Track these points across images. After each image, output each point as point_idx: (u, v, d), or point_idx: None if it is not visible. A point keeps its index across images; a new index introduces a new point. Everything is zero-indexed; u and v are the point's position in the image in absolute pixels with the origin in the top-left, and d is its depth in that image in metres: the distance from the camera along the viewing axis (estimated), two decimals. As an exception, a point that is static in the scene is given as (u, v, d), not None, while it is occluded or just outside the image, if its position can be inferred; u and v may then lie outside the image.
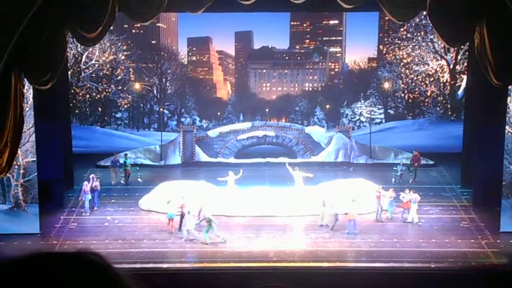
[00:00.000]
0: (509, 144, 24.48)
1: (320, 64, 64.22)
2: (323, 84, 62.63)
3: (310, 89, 63.70)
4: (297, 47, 66.22)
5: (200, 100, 59.26)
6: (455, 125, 39.47)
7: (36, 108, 24.06)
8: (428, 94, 48.83)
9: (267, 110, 58.34)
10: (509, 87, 23.93)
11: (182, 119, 55.55)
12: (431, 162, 35.02)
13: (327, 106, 55.93)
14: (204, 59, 68.68)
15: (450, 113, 47.65)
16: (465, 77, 39.91)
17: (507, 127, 24.38)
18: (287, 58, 66.65)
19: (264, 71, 67.41)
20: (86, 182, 27.42)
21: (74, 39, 26.52)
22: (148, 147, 38.66)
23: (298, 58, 65.57)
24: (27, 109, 23.25)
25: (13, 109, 21.43)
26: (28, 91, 23.39)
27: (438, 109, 48.70)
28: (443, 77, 48.16)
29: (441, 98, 48.48)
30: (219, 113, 58.86)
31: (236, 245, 23.53)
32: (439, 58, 47.86)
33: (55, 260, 1.99)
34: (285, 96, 62.35)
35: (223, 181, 28.93)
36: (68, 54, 29.87)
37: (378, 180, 29.63)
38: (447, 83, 47.89)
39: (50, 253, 2.01)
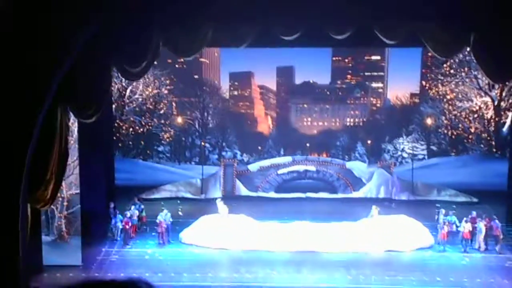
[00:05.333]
0: (556, 183, 23.95)
1: (362, 99, 64.12)
2: (364, 119, 62.47)
3: (352, 124, 63.58)
4: (339, 82, 66.43)
5: (241, 134, 59.65)
6: (500, 162, 38.80)
7: (80, 141, 24.44)
8: (472, 130, 48.23)
9: (308, 144, 58.34)
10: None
11: (223, 153, 55.89)
12: (475, 200, 34.44)
13: (369, 142, 55.67)
14: (246, 94, 69.25)
15: (494, 150, 46.93)
16: (510, 114, 39.34)
17: (553, 165, 23.89)
18: (328, 93, 66.78)
19: (305, 105, 67.57)
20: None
21: (119, 74, 27.02)
22: (189, 180, 38.88)
23: (340, 93, 65.63)
24: (72, 142, 23.63)
25: (59, 142, 21.83)
26: (74, 124, 23.80)
27: (482, 146, 48.04)
28: (487, 113, 47.56)
29: (486, 135, 47.83)
30: (260, 147, 59.06)
31: (276, 281, 23.33)
32: (483, 94, 47.35)
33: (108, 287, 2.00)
34: (326, 131, 62.36)
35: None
36: (112, 88, 30.39)
37: (420, 217, 29.20)
38: (492, 120, 47.26)
39: (102, 281, 2.03)
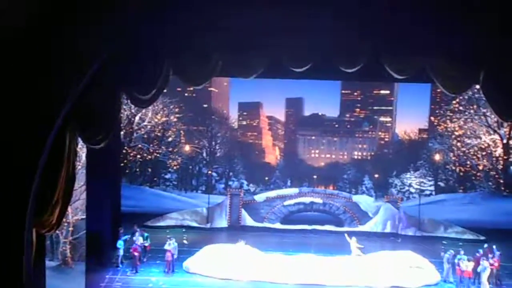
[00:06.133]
0: None
1: (370, 133, 64.09)
2: (372, 153, 62.36)
3: (359, 157, 63.46)
4: (347, 115, 66.43)
5: (249, 164, 59.55)
6: (508, 201, 38.64)
7: (88, 166, 24.49)
8: (480, 168, 48.07)
9: (315, 177, 58.17)
10: None
11: (230, 183, 55.81)
12: (482, 238, 34.15)
13: (376, 176, 55.50)
14: (254, 124, 69.29)
15: (503, 188, 46.68)
16: (519, 152, 39.23)
17: (562, 205, 23.73)
18: (336, 126, 66.77)
19: (313, 137, 67.56)
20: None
21: (128, 101, 27.13)
22: (195, 209, 38.79)
23: (348, 126, 65.63)
24: (79, 167, 23.68)
25: (66, 167, 21.82)
26: (82, 149, 23.86)
27: (490, 183, 47.82)
28: (496, 151, 47.43)
29: (494, 173, 47.63)
30: (266, 178, 58.92)
31: (279, 314, 23.14)
32: (492, 132, 47.26)
33: None
34: (333, 163, 62.20)
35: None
36: (121, 115, 30.50)
37: (426, 253, 29.00)
38: (500, 158, 47.10)
39: None
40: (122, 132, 38.19)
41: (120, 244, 27.84)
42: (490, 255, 26.89)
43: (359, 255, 28.32)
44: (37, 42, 19.37)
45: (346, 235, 29.44)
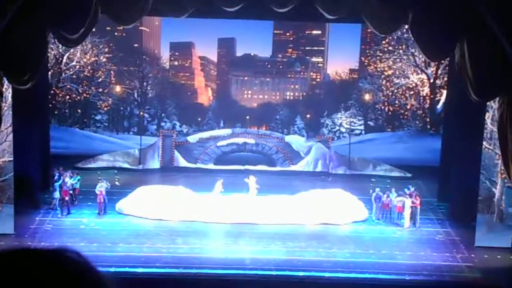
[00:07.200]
0: (485, 160, 24.70)
1: (302, 73, 64.43)
2: (304, 94, 62.89)
3: (291, 98, 63.91)
4: (280, 55, 66.38)
5: (181, 105, 59.20)
6: (434, 139, 39.81)
7: (14, 107, 23.83)
8: (408, 107, 49.26)
9: (247, 117, 58.39)
10: (487, 103, 24.19)
11: (162, 124, 55.44)
12: (408, 175, 35.26)
13: (308, 116, 56.16)
14: (186, 64, 68.53)
15: (429, 126, 48.08)
16: (445, 91, 40.29)
17: (484, 143, 24.63)
18: (269, 66, 66.78)
19: (246, 78, 67.45)
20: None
21: (56, 40, 26.37)
22: (127, 150, 38.48)
23: (280, 66, 65.74)
24: (5, 108, 23.02)
25: (-8, 108, 21.23)
26: (7, 90, 23.17)
27: (417, 122, 49.16)
28: (423, 91, 48.62)
29: (421, 112, 48.94)
30: (199, 119, 58.81)
31: (212, 252, 23.47)
32: (419, 72, 48.29)
33: (32, 257, 1.94)
34: (266, 104, 62.48)
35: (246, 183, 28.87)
36: (49, 54, 29.64)
37: (356, 191, 29.75)
38: (427, 97, 48.34)
39: (27, 249, 1.97)
40: (49, 72, 37.16)
41: (55, 186, 27.44)
42: (413, 193, 27.79)
43: (255, 195, 28.63)
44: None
45: (246, 178, 29.53)
